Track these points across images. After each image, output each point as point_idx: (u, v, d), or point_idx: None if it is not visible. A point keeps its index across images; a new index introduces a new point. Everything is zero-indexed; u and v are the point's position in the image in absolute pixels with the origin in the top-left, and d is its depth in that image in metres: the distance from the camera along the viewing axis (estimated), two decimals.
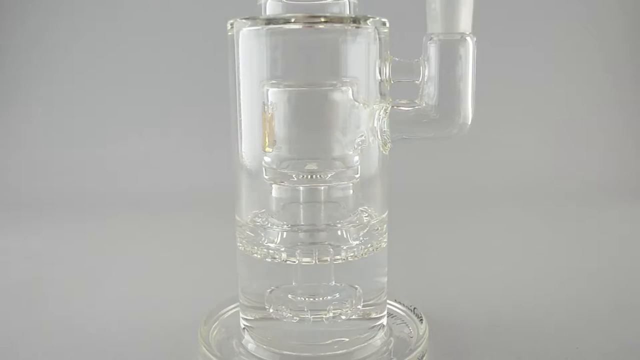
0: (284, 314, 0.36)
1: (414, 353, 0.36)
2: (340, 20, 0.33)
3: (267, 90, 0.33)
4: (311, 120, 0.34)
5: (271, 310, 0.36)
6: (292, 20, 0.33)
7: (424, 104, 0.35)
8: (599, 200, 0.83)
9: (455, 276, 0.54)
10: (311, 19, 0.33)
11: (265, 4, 0.35)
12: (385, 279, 0.38)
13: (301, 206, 0.34)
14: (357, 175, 0.35)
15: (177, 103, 0.93)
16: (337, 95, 0.33)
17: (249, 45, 0.34)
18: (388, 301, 0.40)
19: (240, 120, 0.35)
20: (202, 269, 0.57)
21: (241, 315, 0.39)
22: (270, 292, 0.36)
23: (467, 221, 0.74)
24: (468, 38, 0.34)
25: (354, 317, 0.36)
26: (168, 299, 0.49)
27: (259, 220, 0.36)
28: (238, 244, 0.37)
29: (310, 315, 0.35)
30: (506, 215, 0.77)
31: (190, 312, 0.44)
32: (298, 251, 0.34)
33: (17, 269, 0.58)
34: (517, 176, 0.89)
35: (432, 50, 0.34)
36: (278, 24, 0.33)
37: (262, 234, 0.35)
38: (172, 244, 0.66)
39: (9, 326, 0.45)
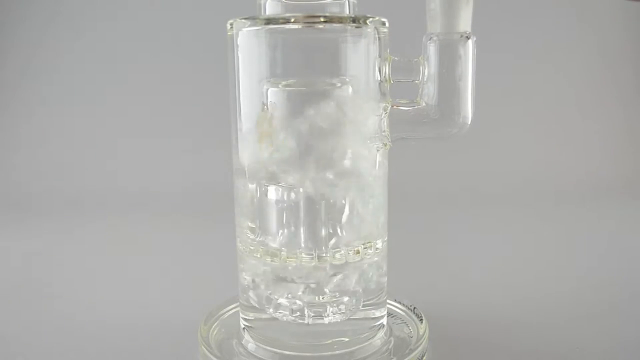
0: (284, 314, 0.36)
1: (414, 353, 0.36)
2: (340, 20, 0.33)
3: (267, 90, 0.33)
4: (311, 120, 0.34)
5: (271, 310, 0.36)
6: (292, 20, 0.33)
7: (423, 104, 0.35)
8: (599, 199, 0.83)
9: (455, 276, 0.54)
10: (311, 19, 0.33)
11: (265, 3, 0.35)
12: (385, 279, 0.38)
13: (301, 206, 0.34)
14: (358, 175, 0.35)
15: (177, 103, 0.93)
16: (336, 95, 0.33)
17: (248, 45, 0.34)
18: (388, 301, 0.40)
19: (240, 120, 0.35)
20: (202, 269, 0.57)
21: (241, 315, 0.39)
22: (270, 292, 0.36)
23: (466, 221, 0.74)
24: (468, 38, 0.34)
25: (353, 317, 0.36)
26: (168, 299, 0.49)
27: (259, 220, 0.36)
28: (238, 244, 0.37)
29: (310, 316, 0.35)
30: (506, 215, 0.77)
31: (190, 312, 0.44)
32: (298, 251, 0.34)
33: (17, 269, 0.58)
34: (517, 176, 0.88)
35: (432, 49, 0.34)
36: (278, 23, 0.33)
37: (262, 234, 0.35)
38: (172, 244, 0.66)
39: (9, 326, 0.45)
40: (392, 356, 0.37)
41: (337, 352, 0.36)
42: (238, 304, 0.40)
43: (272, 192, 0.35)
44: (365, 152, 0.35)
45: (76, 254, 0.63)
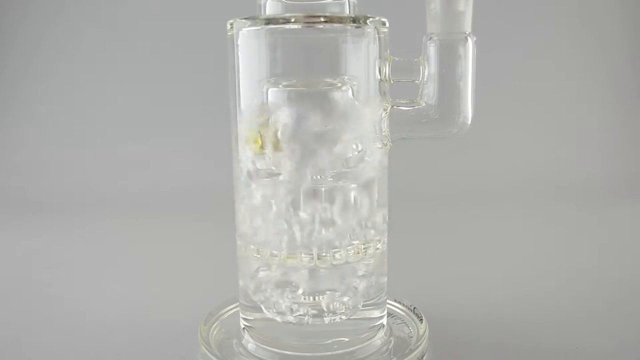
0: (284, 314, 0.36)
1: (414, 353, 0.36)
2: (340, 20, 0.33)
3: (267, 90, 0.33)
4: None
5: (271, 310, 0.36)
6: (292, 20, 0.33)
7: (423, 104, 0.35)
8: (599, 199, 0.83)
9: (455, 276, 0.54)
10: (311, 19, 0.33)
11: (265, 3, 0.35)
12: (385, 279, 0.38)
13: (301, 207, 0.34)
14: (358, 175, 0.35)
15: (177, 103, 0.93)
16: (337, 95, 0.33)
17: (248, 45, 0.34)
18: (388, 301, 0.40)
19: (240, 120, 0.35)
20: (202, 269, 0.57)
21: (241, 315, 0.39)
22: (270, 292, 0.36)
23: (467, 221, 0.74)
24: (468, 37, 0.34)
25: (354, 317, 0.36)
26: (168, 299, 0.49)
27: (258, 220, 0.36)
28: (237, 243, 0.37)
29: (310, 316, 0.35)
30: (506, 214, 0.77)
31: (190, 312, 0.44)
32: (297, 251, 0.34)
33: (17, 269, 0.58)
34: (517, 176, 0.89)
35: (432, 49, 0.34)
36: (278, 23, 0.33)
37: (262, 235, 0.35)
38: (172, 244, 0.66)
39: (9, 326, 0.45)
40: (392, 356, 0.37)
41: (337, 352, 0.36)
42: (238, 304, 0.40)
43: (272, 192, 0.35)
44: (366, 152, 0.35)
45: (76, 254, 0.63)
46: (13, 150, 0.93)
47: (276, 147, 0.33)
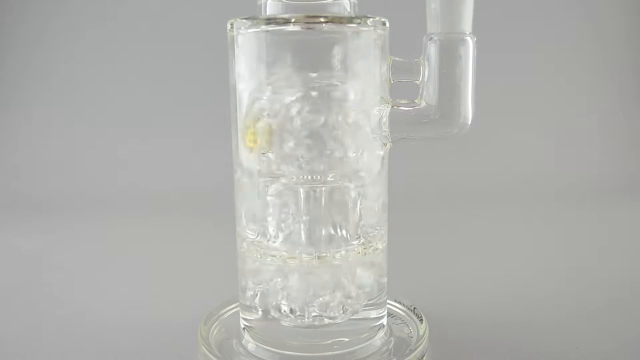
0: (284, 314, 0.36)
1: (414, 353, 0.36)
2: (340, 20, 0.33)
3: (267, 90, 0.33)
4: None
5: (271, 310, 0.36)
6: (292, 20, 0.33)
7: (424, 104, 0.35)
8: (599, 199, 0.83)
9: (455, 276, 0.54)
10: (311, 19, 0.33)
11: (265, 4, 0.35)
12: (385, 279, 0.38)
13: (301, 206, 0.34)
14: (358, 175, 0.35)
15: (176, 103, 0.93)
16: (336, 95, 0.33)
17: (248, 45, 0.34)
18: (388, 301, 0.40)
19: (240, 120, 0.35)
20: (202, 269, 0.57)
21: (241, 315, 0.39)
22: (270, 292, 0.36)
23: (467, 221, 0.74)
24: (468, 38, 0.34)
25: (354, 317, 0.36)
26: (168, 299, 0.49)
27: (258, 220, 0.36)
28: (238, 243, 0.37)
29: (310, 316, 0.35)
30: (506, 214, 0.77)
31: (190, 312, 0.44)
32: (298, 251, 0.34)
33: (17, 269, 0.58)
34: (517, 176, 0.89)
35: (432, 50, 0.34)
36: (278, 24, 0.33)
37: (262, 235, 0.35)
38: (172, 244, 0.66)
39: (9, 326, 0.45)
40: (392, 356, 0.37)
41: (337, 352, 0.36)
42: (238, 304, 0.40)
43: (272, 192, 0.35)
44: (366, 153, 0.35)
45: (76, 253, 0.63)
46: (13, 150, 0.93)
47: (268, 141, 0.33)
